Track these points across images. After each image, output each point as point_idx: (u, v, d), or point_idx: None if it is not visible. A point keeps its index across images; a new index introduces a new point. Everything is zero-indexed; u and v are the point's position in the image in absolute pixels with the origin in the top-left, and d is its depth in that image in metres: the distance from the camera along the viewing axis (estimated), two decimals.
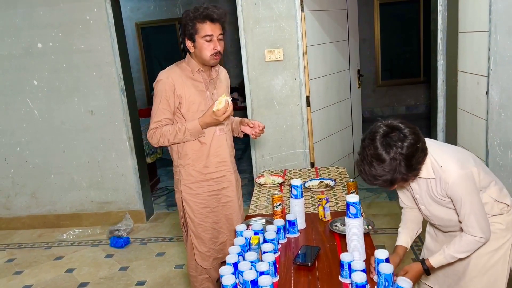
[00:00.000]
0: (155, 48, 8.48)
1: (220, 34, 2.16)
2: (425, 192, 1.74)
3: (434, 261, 1.72)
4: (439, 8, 3.47)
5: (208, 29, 2.11)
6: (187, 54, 2.25)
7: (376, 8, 7.15)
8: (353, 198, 1.70)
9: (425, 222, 1.97)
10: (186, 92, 2.18)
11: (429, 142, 1.68)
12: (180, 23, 8.25)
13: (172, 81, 2.17)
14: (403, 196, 1.90)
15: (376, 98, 7.83)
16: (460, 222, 1.68)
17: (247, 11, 3.70)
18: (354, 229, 1.72)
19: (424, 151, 1.59)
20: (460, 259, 1.74)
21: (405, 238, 1.87)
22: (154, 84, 2.23)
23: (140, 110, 4.79)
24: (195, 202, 2.30)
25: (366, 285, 1.47)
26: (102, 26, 3.90)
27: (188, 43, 2.18)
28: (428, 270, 1.74)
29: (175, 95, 2.17)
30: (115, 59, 3.96)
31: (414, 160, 1.55)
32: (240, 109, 6.95)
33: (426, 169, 1.65)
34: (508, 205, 1.77)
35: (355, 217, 1.71)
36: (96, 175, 4.23)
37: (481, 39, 2.84)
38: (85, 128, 4.14)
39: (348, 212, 1.72)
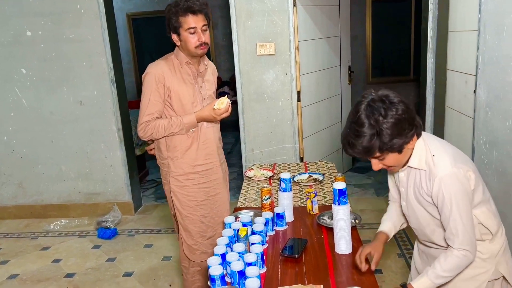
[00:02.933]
0: (146, 40, 8.41)
1: (204, 25, 2.17)
2: (412, 186, 1.59)
3: (418, 284, 1.50)
4: (430, 6, 3.50)
5: (191, 21, 2.13)
6: (176, 47, 2.27)
7: (368, 6, 7.17)
8: (340, 185, 1.72)
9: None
10: (175, 84, 2.20)
11: (430, 135, 1.59)
12: None
13: (162, 73, 2.19)
14: (393, 189, 1.78)
15: None
16: (444, 231, 1.52)
17: (239, 4, 3.69)
18: (340, 215, 1.73)
19: (411, 126, 1.44)
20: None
21: (388, 226, 1.74)
22: (143, 76, 2.24)
23: (129, 101, 4.76)
24: (182, 194, 2.31)
25: None
26: (93, 16, 3.86)
27: (174, 37, 2.20)
28: None
29: (165, 87, 2.19)
30: (105, 49, 3.93)
31: (396, 130, 1.40)
32: (232, 103, 6.91)
33: (418, 158, 1.52)
34: (491, 233, 1.57)
35: (341, 205, 1.73)
36: (85, 166, 4.21)
37: (470, 38, 2.87)
38: (74, 118, 4.10)
39: (335, 199, 1.74)
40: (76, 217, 4.26)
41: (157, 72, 2.18)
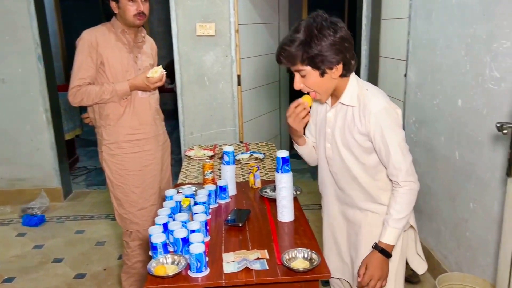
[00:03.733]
0: (76, 24, 7.90)
1: None
2: (340, 126, 1.56)
3: (386, 237, 1.49)
4: None
5: None
6: (113, 17, 2.25)
7: None
8: (283, 153, 1.74)
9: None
10: (109, 51, 2.18)
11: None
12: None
13: (96, 39, 2.16)
14: (313, 126, 1.73)
15: None
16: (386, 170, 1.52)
17: None
18: (283, 183, 1.74)
19: (341, 55, 1.42)
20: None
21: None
22: (76, 41, 2.19)
23: (58, 86, 4.47)
24: (113, 162, 2.28)
25: None
26: None
27: (113, 4, 2.18)
28: (387, 252, 1.50)
29: (98, 53, 2.16)
30: (31, 23, 3.65)
31: (324, 47, 1.38)
32: (167, 91, 6.73)
33: (349, 95, 1.51)
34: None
35: (284, 172, 1.75)
36: (7, 149, 3.88)
37: (401, 25, 3.04)
38: None
39: (278, 167, 1.75)
40: None
41: (91, 38, 2.15)
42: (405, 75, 2.96)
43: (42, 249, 3.18)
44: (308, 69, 1.44)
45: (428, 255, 2.57)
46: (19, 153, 3.90)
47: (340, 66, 1.44)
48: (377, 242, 1.52)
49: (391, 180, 1.53)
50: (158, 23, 7.43)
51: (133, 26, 2.21)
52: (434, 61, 2.52)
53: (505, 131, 1.37)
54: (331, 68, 1.44)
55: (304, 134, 1.66)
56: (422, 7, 2.64)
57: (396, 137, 1.46)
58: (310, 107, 1.56)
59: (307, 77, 1.47)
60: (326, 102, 1.63)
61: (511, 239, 1.42)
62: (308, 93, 1.53)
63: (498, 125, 1.39)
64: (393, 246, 1.52)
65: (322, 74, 1.45)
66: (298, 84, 1.50)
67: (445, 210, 2.51)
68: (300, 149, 1.73)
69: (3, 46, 3.67)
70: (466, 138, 2.23)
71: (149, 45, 2.41)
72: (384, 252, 1.51)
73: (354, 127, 1.51)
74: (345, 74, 1.48)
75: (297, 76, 1.49)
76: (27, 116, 3.83)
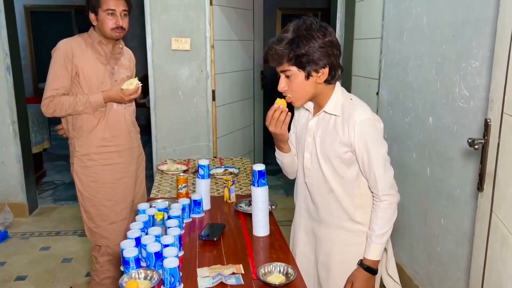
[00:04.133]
0: (47, 37, 7.75)
1: (124, 10, 2.18)
2: (320, 136, 1.55)
3: (371, 254, 1.49)
4: (338, 15, 3.74)
5: (111, 3, 2.13)
6: (91, 27, 2.23)
7: (279, 19, 7.51)
8: (260, 166, 1.73)
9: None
10: (85, 62, 2.16)
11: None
12: (76, 11, 7.75)
13: (71, 49, 2.14)
14: (293, 136, 1.71)
15: None
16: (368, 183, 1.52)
17: None
18: (259, 196, 1.73)
19: (328, 58, 1.41)
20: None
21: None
22: (52, 51, 2.16)
23: (27, 98, 4.34)
24: (85, 174, 2.24)
25: None
26: None
27: (91, 16, 2.17)
28: (372, 269, 1.51)
29: (73, 64, 2.13)
30: (1, 32, 3.55)
31: (312, 48, 1.38)
32: (138, 106, 6.62)
33: (334, 104, 1.49)
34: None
35: (260, 186, 1.74)
36: None
37: (374, 44, 3.12)
38: None
39: (254, 180, 1.74)
40: None
41: (66, 48, 2.12)
42: (377, 93, 3.02)
43: (4, 266, 3.02)
44: (294, 69, 1.43)
45: (400, 271, 2.59)
46: None
47: (326, 71, 1.43)
48: (362, 260, 1.52)
49: (372, 192, 1.52)
50: (132, 38, 7.37)
51: (111, 38, 2.19)
52: (405, 80, 2.59)
53: (476, 146, 1.41)
54: (316, 71, 1.42)
55: (286, 138, 1.61)
56: (394, 27, 2.73)
57: (379, 149, 1.47)
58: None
59: (291, 79, 1.45)
60: (308, 110, 1.61)
61: (482, 253, 1.44)
62: (283, 97, 1.51)
63: (470, 140, 1.42)
64: (378, 262, 1.52)
65: (308, 76, 1.43)
66: (281, 86, 1.48)
67: (417, 225, 2.55)
68: (283, 158, 1.68)
69: None
70: (437, 155, 2.28)
71: (128, 57, 2.40)
72: (369, 269, 1.51)
73: (336, 136, 1.50)
74: (329, 81, 1.47)
75: (282, 77, 1.48)
76: None
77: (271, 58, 1.45)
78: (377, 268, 1.53)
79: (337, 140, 1.50)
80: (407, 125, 2.58)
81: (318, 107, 1.56)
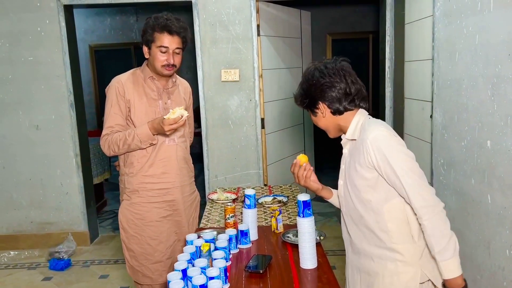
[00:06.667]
0: (109, 72, 8.26)
1: (178, 48, 2.11)
2: (349, 162, 1.58)
3: (444, 273, 1.43)
4: (387, 38, 3.68)
5: (165, 40, 2.07)
6: (144, 61, 2.23)
7: (328, 44, 7.48)
8: (305, 196, 1.71)
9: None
10: (136, 98, 2.14)
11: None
12: (135, 47, 8.24)
13: (123, 85, 2.13)
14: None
15: None
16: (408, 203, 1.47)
17: (204, 31, 3.75)
18: (305, 228, 1.70)
19: (323, 99, 1.53)
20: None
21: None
22: (106, 89, 2.19)
23: (90, 131, 4.63)
24: (131, 211, 2.20)
25: None
26: (54, 39, 3.79)
27: (145, 49, 2.15)
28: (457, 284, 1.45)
29: (125, 100, 2.12)
30: (66, 72, 3.84)
31: (306, 88, 1.56)
32: (195, 135, 6.83)
33: (351, 130, 1.56)
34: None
35: (306, 217, 1.71)
36: (38, 193, 3.99)
37: (425, 66, 3.02)
38: (29, 143, 3.92)
39: (299, 211, 1.72)
40: (26, 248, 3.98)
41: (118, 85, 2.13)
42: (431, 116, 2.90)
43: None
44: (305, 105, 1.61)
45: None
46: (49, 197, 4.00)
47: (323, 106, 1.55)
48: (443, 283, 1.47)
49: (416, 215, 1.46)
50: (187, 70, 7.69)
51: (161, 74, 2.15)
52: (459, 102, 2.47)
53: None
54: (314, 108, 1.58)
55: (319, 188, 1.75)
56: (445, 48, 2.63)
57: (402, 159, 1.44)
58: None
59: (313, 117, 1.64)
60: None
61: None
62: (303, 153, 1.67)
63: None
64: (460, 276, 1.43)
65: (313, 113, 1.61)
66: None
67: (480, 257, 2.37)
68: (331, 202, 1.80)
69: (38, 94, 3.86)
70: (498, 180, 2.13)
71: (182, 89, 2.33)
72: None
73: (356, 159, 1.53)
74: (334, 113, 1.56)
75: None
76: (57, 161, 3.94)
77: (295, 100, 1.67)
78: (463, 281, 1.44)
79: (357, 162, 1.53)
80: (464, 149, 2.44)
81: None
